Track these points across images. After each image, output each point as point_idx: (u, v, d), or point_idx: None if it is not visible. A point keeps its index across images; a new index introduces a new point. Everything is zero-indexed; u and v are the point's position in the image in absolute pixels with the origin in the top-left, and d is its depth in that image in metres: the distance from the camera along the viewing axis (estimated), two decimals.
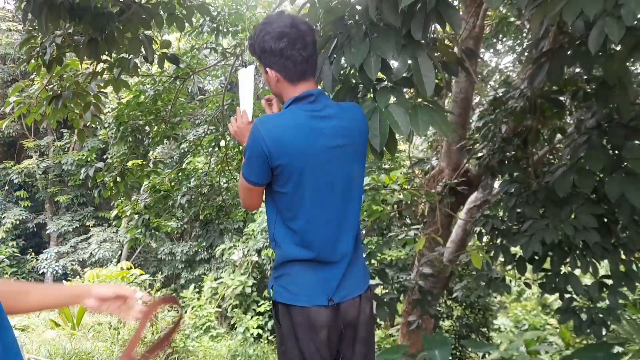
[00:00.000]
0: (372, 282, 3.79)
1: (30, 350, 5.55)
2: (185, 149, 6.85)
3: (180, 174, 6.39)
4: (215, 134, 5.76)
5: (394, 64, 1.71)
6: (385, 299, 3.60)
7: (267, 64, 1.56)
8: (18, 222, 13.52)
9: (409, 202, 4.28)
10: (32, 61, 3.57)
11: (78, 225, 13.94)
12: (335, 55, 1.68)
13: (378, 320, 3.55)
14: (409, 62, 1.62)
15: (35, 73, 4.06)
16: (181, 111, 5.49)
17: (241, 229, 11.03)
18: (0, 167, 13.77)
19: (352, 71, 2.05)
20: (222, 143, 5.82)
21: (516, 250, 3.09)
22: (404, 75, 1.64)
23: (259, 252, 9.99)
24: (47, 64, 3.14)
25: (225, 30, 5.10)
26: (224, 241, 10.97)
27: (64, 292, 1.18)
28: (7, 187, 14.23)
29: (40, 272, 13.03)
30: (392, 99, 1.58)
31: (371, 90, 1.68)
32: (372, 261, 4.80)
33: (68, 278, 11.09)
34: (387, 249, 7.48)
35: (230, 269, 10.54)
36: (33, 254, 13.42)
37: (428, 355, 2.36)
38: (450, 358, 2.59)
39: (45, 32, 2.50)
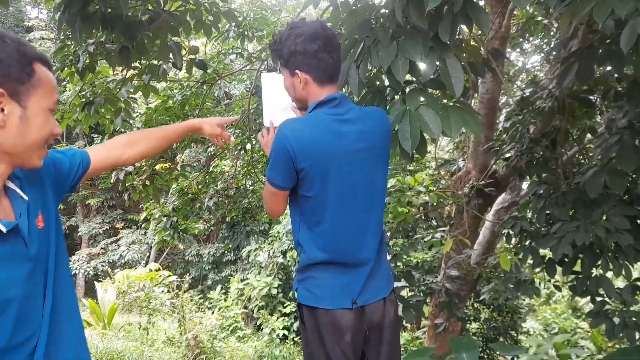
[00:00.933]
0: (397, 284, 3.78)
1: None
2: (212, 152, 6.95)
3: (207, 177, 6.50)
4: (242, 137, 5.84)
5: (421, 66, 1.72)
6: (411, 301, 3.58)
7: (296, 66, 1.58)
8: None
9: (435, 204, 4.25)
10: (66, 69, 3.69)
11: (108, 228, 14.29)
12: (361, 59, 1.69)
13: (404, 322, 3.53)
14: (437, 63, 1.63)
15: (68, 80, 4.21)
16: (208, 115, 5.59)
17: (266, 231, 11.12)
18: None
19: (378, 74, 2.06)
20: (248, 146, 5.90)
21: (545, 252, 3.04)
22: (432, 77, 1.64)
23: (284, 253, 10.06)
24: (80, 72, 3.25)
25: (250, 35, 5.16)
26: (250, 243, 11.08)
27: (179, 127, 1.69)
28: None
29: (72, 273, 13.39)
30: (422, 101, 1.59)
31: (399, 93, 1.69)
32: (398, 263, 4.77)
33: (99, 279, 11.36)
34: (412, 251, 7.43)
35: (256, 271, 10.63)
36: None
37: (456, 358, 2.35)
38: None
39: (78, 41, 2.59)
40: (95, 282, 10.34)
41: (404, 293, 3.87)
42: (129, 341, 7.19)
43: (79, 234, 14.43)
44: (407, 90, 1.66)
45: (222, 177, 6.75)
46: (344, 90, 1.79)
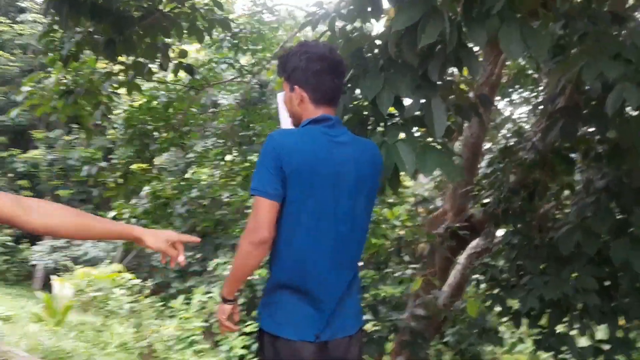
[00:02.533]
0: (363, 317, 3.71)
1: (9, 343, 5.45)
2: (192, 159, 6.86)
3: (183, 183, 6.38)
4: (223, 147, 5.77)
5: (407, 101, 1.70)
6: (374, 336, 3.52)
7: (295, 81, 1.58)
8: None
9: (409, 240, 4.22)
10: (50, 54, 3.60)
11: None
12: (349, 85, 1.66)
13: (365, 357, 3.45)
14: (422, 101, 1.60)
15: (51, 66, 4.10)
16: (192, 121, 5.51)
17: (235, 246, 10.95)
18: (7, 154, 13.82)
19: (365, 103, 2.03)
20: (228, 157, 5.83)
21: (513, 302, 3.01)
22: (416, 113, 1.62)
23: None
24: (64, 59, 3.16)
25: (245, 47, 5.14)
26: (219, 256, 10.86)
27: (112, 228, 1.39)
28: (10, 175, 14.26)
29: (31, 263, 12.95)
30: (401, 136, 1.56)
31: (381, 124, 1.66)
32: (366, 295, 4.71)
33: (58, 273, 11.00)
34: (382, 284, 7.37)
35: (221, 285, 10.41)
36: (28, 244, 13.35)
37: None
38: None
39: (65, 27, 2.52)
40: (52, 277, 9.99)
41: (368, 326, 3.81)
42: (80, 342, 6.91)
43: None
44: (389, 123, 1.63)
45: (199, 186, 6.64)
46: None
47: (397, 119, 1.63)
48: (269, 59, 5.15)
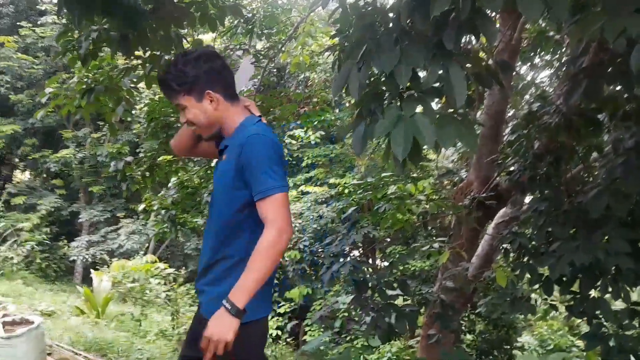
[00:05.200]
0: (392, 292, 3.73)
1: (54, 337, 5.69)
2: None
3: (208, 171, 6.45)
4: None
5: (423, 73, 1.68)
6: (405, 311, 3.54)
7: (206, 87, 1.61)
8: (53, 209, 13.93)
9: (434, 213, 4.19)
10: (69, 54, 3.65)
11: (109, 216, 14.28)
12: (363, 62, 1.64)
13: (397, 331, 3.50)
14: (440, 72, 1.58)
15: (73, 66, 4.17)
16: None
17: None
18: (39, 155, 14.23)
19: (380, 78, 2.01)
20: None
21: (544, 270, 2.98)
22: (434, 85, 1.60)
23: None
24: (82, 58, 3.21)
25: (259, 32, 5.12)
26: None
27: None
28: (44, 175, 14.70)
29: (71, 259, 13.39)
30: (419, 109, 1.54)
31: (397, 98, 1.64)
32: (394, 271, 4.74)
33: (96, 267, 11.35)
34: (410, 259, 7.37)
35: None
36: (65, 240, 13.80)
37: None
38: None
39: (77, 26, 2.55)
40: (92, 270, 10.33)
41: (399, 301, 3.83)
42: (121, 332, 7.16)
43: (80, 220, 14.43)
44: (405, 96, 1.61)
45: None
46: (342, 92, 1.76)
47: (414, 91, 1.62)
48: (283, 41, 5.13)
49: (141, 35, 2.56)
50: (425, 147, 1.51)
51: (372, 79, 1.86)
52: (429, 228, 5.41)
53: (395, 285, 3.74)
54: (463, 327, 7.20)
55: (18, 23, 14.48)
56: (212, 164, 7.32)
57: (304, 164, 12.20)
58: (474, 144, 1.56)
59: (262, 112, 5.71)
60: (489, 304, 4.65)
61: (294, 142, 10.47)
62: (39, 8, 15.34)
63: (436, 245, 4.48)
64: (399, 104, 1.57)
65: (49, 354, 4.74)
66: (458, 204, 4.30)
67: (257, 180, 1.54)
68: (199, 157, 1.97)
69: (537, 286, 3.04)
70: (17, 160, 15.51)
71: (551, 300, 3.46)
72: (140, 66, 3.73)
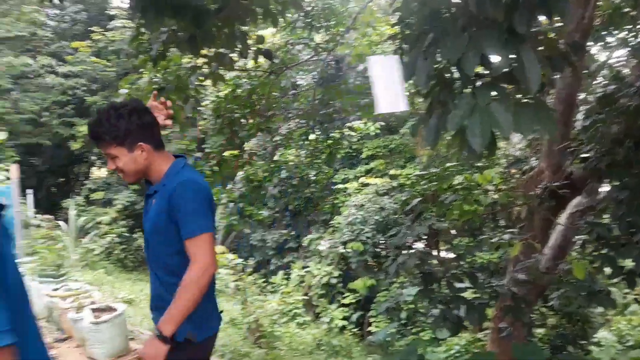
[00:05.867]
0: (461, 285, 3.66)
1: (134, 323, 6.04)
2: (278, 142, 7.07)
3: (272, 165, 6.60)
4: (306, 127, 5.86)
5: (494, 58, 1.61)
6: (475, 303, 3.46)
7: (138, 140, 1.75)
8: (128, 204, 14.77)
9: (504, 203, 4.05)
10: (140, 56, 3.85)
11: None
12: (430, 51, 1.60)
13: (466, 323, 3.43)
14: (511, 57, 1.52)
15: (143, 67, 4.39)
16: (274, 105, 5.65)
17: (328, 221, 11.17)
18: None
19: (447, 66, 1.96)
20: (312, 136, 5.92)
21: (626, 262, 2.80)
22: (505, 70, 1.53)
23: (344, 244, 10.06)
24: (153, 59, 3.37)
25: (318, 25, 5.14)
26: (312, 232, 11.17)
27: None
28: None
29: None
30: (493, 96, 1.49)
31: (469, 86, 1.59)
32: (461, 263, 4.63)
33: None
34: (478, 251, 7.17)
35: (316, 259, 10.72)
36: (140, 233, 14.59)
37: None
38: None
39: (150, 29, 2.68)
40: None
41: (467, 294, 3.75)
42: None
43: None
44: (478, 84, 1.56)
45: (287, 166, 6.84)
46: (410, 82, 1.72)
47: (485, 78, 1.56)
48: (342, 33, 5.12)
49: (207, 34, 2.65)
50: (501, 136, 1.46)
51: (440, 67, 1.82)
52: (498, 219, 5.23)
53: (463, 277, 3.66)
54: (534, 321, 6.92)
55: (90, 28, 15.38)
56: (274, 158, 7.47)
57: (363, 156, 12.14)
58: (554, 130, 1.49)
59: (322, 105, 5.69)
60: (562, 296, 4.43)
61: (353, 133, 10.45)
62: (109, 13, 16.22)
63: (506, 236, 4.33)
64: (471, 92, 1.52)
65: (131, 339, 5.06)
66: (529, 194, 4.12)
67: (186, 222, 1.71)
68: None
69: (617, 279, 2.86)
70: (93, 158, 16.56)
71: (635, 295, 3.25)
72: (205, 65, 3.87)
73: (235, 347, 6.09)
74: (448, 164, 4.33)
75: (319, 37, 6.19)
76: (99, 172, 15.99)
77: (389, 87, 1.68)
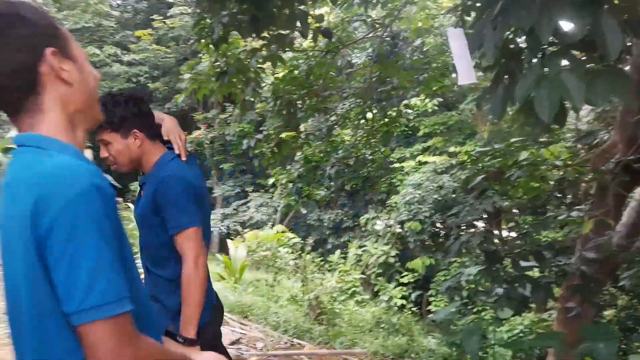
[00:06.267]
0: (526, 263, 3.56)
1: None
2: (334, 121, 7.08)
3: (329, 146, 6.63)
4: (362, 106, 5.83)
5: (565, 25, 1.54)
6: (541, 282, 3.38)
7: (132, 127, 1.77)
8: None
9: (572, 179, 3.88)
10: (202, 41, 3.96)
11: (239, 191, 15.39)
12: (499, 19, 1.55)
13: (531, 303, 3.36)
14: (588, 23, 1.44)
15: (204, 52, 4.51)
16: (331, 85, 5.65)
17: (384, 200, 11.13)
18: None
19: (514, 36, 1.89)
20: (369, 115, 5.88)
21: None
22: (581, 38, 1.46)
23: (401, 223, 10.01)
24: (215, 43, 3.46)
25: (374, 0, 5.05)
26: (368, 211, 11.18)
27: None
28: None
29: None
30: (564, 65, 1.42)
31: (539, 55, 1.53)
32: (526, 241, 4.50)
33: (230, 237, 12.37)
34: (542, 229, 6.91)
35: (373, 238, 10.75)
36: None
37: (591, 347, 2.16)
38: None
39: (214, 12, 2.75)
40: (227, 240, 11.28)
41: (531, 273, 3.65)
42: (256, 296, 7.77)
43: (214, 195, 15.76)
44: (548, 52, 1.50)
45: (343, 146, 6.85)
46: (476, 53, 1.67)
47: (556, 47, 1.49)
48: (399, 7, 5.01)
49: (269, 16, 2.68)
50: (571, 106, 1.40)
51: (505, 37, 1.76)
52: (565, 196, 5.01)
53: (528, 256, 3.57)
54: (603, 302, 6.62)
55: (151, 17, 15.93)
56: (332, 138, 7.50)
57: (420, 133, 11.92)
58: (630, 100, 1.41)
59: (379, 83, 5.62)
60: (634, 276, 4.22)
61: (409, 111, 10.26)
62: (168, 1, 16.71)
63: (574, 213, 4.15)
64: (540, 61, 1.46)
65: None
66: (600, 169, 3.92)
67: (171, 217, 1.73)
68: None
69: None
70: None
71: None
72: (264, 47, 3.93)
73: (298, 323, 6.27)
74: (512, 140, 4.18)
75: (375, 13, 6.10)
76: None
77: (465, 59, 1.65)
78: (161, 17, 15.65)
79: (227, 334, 5.16)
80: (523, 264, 3.55)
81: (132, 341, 0.87)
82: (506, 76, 1.59)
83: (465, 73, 1.63)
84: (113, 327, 0.84)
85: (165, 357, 1.02)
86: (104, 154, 1.83)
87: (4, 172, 0.96)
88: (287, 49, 3.67)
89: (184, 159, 1.88)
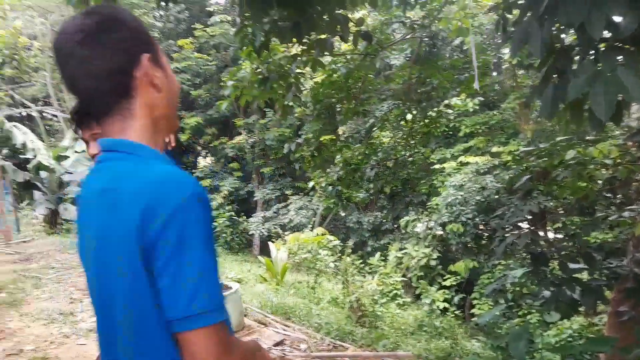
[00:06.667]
0: (575, 266, 3.45)
1: (245, 301, 6.47)
2: (372, 124, 7.08)
3: (368, 148, 6.64)
4: (401, 107, 5.81)
5: (618, 19, 1.50)
6: (592, 285, 3.27)
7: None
8: (232, 190, 15.72)
9: (624, 178, 3.73)
10: (244, 48, 4.05)
11: (279, 194, 15.59)
12: (547, 16, 1.52)
13: (581, 308, 3.26)
14: None
15: (245, 59, 4.61)
16: (370, 87, 5.66)
17: (425, 202, 11.02)
18: (218, 142, 16.12)
19: (562, 32, 1.85)
20: (408, 116, 5.85)
21: None
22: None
23: (443, 226, 9.87)
24: (257, 50, 3.54)
25: (413, 2, 5.04)
26: (409, 213, 11.09)
27: None
28: (223, 160, 16.59)
29: (250, 233, 14.99)
30: (619, 60, 1.39)
31: (591, 52, 1.50)
32: (575, 243, 4.36)
33: (272, 240, 12.53)
34: (592, 230, 6.67)
35: (414, 241, 10.64)
36: (244, 217, 15.48)
37: None
38: None
39: (257, 20, 2.82)
40: (269, 243, 11.43)
41: (582, 275, 3.54)
42: (298, 298, 7.84)
43: (255, 198, 16.01)
44: (601, 48, 1.46)
45: (382, 148, 6.83)
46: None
47: (609, 43, 1.46)
48: (439, 7, 4.98)
49: (310, 21, 2.73)
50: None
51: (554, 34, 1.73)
52: (614, 196, 4.83)
53: (577, 257, 3.47)
54: None
55: (192, 26, 16.36)
56: (370, 141, 7.49)
57: (461, 134, 11.73)
58: None
59: (419, 84, 5.58)
60: None
61: (450, 111, 10.13)
62: (208, 10, 17.12)
63: (626, 214, 4.00)
64: (593, 58, 1.43)
65: (245, 315, 5.44)
66: None
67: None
68: None
69: None
70: (199, 148, 17.74)
71: None
72: (303, 52, 3.98)
73: (340, 325, 6.28)
74: (558, 138, 4.06)
75: (414, 14, 6.07)
76: (205, 161, 17.12)
77: None
78: (202, 26, 16.06)
79: (271, 335, 5.23)
80: (572, 266, 3.45)
81: (231, 348, 0.87)
82: (556, 74, 1.56)
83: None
84: (215, 334, 0.84)
85: (249, 353, 1.00)
86: (93, 150, 1.73)
87: (75, 177, 0.98)
88: (326, 53, 3.71)
89: None
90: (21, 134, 11.42)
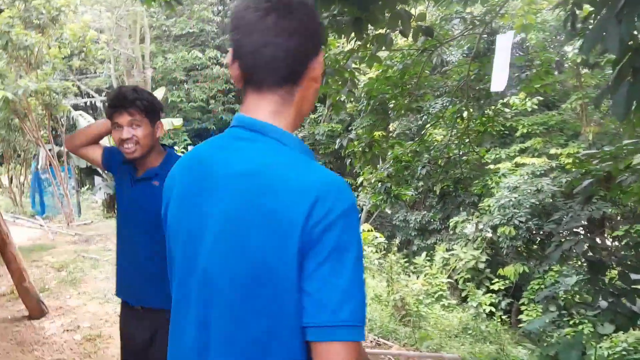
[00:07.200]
0: (637, 276, 3.29)
1: None
2: (426, 120, 6.98)
3: (420, 145, 6.55)
4: (459, 105, 5.69)
5: None
6: None
7: (158, 117, 1.98)
8: None
9: None
10: None
11: None
12: (626, 11, 1.45)
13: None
14: None
15: None
16: (425, 84, 5.58)
17: (476, 203, 10.77)
18: None
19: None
20: (465, 114, 5.72)
21: None
22: None
23: (494, 228, 9.61)
24: None
25: None
26: (460, 213, 10.87)
27: None
28: None
29: None
30: None
31: None
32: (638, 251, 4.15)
33: None
34: None
35: (462, 242, 10.43)
36: None
37: None
38: None
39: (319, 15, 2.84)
40: None
41: None
42: None
43: None
44: None
45: (434, 146, 6.72)
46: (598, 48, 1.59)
47: None
48: (501, 3, 4.83)
49: (372, 16, 2.73)
50: None
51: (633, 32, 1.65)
52: None
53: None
54: None
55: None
56: (423, 138, 7.38)
57: (518, 134, 11.37)
58: None
59: (477, 81, 5.44)
60: None
61: (506, 110, 9.83)
62: None
63: None
64: None
65: None
66: None
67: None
68: (82, 157, 2.06)
69: None
70: None
71: None
72: (360, 47, 3.97)
73: (383, 322, 6.27)
74: (625, 142, 3.87)
75: (475, 10, 5.93)
76: None
77: (502, 66, 1.62)
78: None
79: None
80: (633, 276, 3.30)
81: None
82: (631, 73, 1.49)
83: (498, 80, 1.60)
84: (354, 352, 0.78)
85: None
86: (128, 134, 1.82)
87: (197, 150, 0.96)
88: (384, 49, 3.69)
89: None
90: (85, 122, 12.03)
